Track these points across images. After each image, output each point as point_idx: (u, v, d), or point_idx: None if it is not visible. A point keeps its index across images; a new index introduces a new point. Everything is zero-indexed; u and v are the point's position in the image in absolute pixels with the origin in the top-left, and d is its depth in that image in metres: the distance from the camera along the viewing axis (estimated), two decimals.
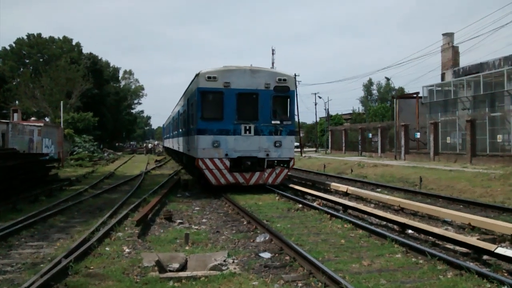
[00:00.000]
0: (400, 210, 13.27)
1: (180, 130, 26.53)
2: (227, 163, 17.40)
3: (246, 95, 17.69)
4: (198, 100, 17.63)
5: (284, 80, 18.16)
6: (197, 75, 17.98)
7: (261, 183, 17.90)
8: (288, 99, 18.48)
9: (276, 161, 18.02)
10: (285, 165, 18.24)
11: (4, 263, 7.91)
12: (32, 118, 46.98)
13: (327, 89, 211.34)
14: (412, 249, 8.24)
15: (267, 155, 17.79)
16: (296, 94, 37.14)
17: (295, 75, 50.06)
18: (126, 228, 10.74)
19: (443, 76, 41.89)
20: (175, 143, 31.92)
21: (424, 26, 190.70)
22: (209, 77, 17.45)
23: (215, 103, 17.66)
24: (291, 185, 18.65)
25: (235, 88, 17.58)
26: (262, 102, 17.80)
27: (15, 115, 37.26)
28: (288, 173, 19.29)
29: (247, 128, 17.64)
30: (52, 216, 12.30)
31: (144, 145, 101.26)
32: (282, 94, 18.21)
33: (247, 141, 17.61)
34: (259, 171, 17.78)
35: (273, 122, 17.95)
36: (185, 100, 22.91)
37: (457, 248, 8.53)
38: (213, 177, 17.35)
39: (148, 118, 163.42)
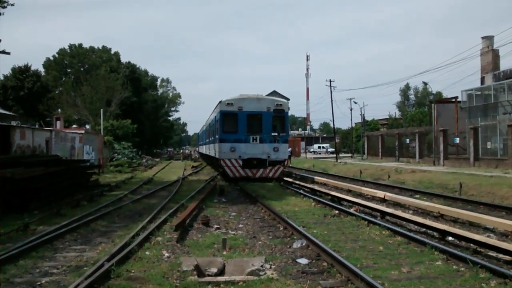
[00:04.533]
0: (440, 217, 13.01)
1: (210, 139, 33.27)
2: (240, 162, 24.04)
3: (253, 115, 24.32)
4: (220, 119, 24.65)
5: (280, 105, 24.97)
6: (220, 102, 25.07)
7: (264, 176, 24.19)
8: (284, 118, 25.15)
9: (275, 161, 24.35)
10: (282, 164, 24.89)
11: (51, 265, 8.22)
12: (74, 126, 48.31)
13: (362, 94, 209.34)
14: (453, 257, 8.09)
15: (268, 157, 24.26)
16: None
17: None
18: (165, 233, 10.94)
19: (482, 80, 40.77)
20: (207, 149, 38.30)
21: (462, 30, 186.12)
22: (227, 103, 24.49)
23: (232, 121, 24.31)
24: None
25: (246, 110, 24.25)
26: (265, 120, 24.39)
27: (58, 122, 38.25)
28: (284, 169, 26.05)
29: (254, 138, 24.18)
30: (94, 220, 12.65)
31: (181, 151, 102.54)
32: (279, 114, 24.79)
33: (254, 147, 24.16)
34: (262, 168, 24.29)
35: (272, 134, 24.41)
36: (213, 117, 29.83)
37: (500, 256, 8.32)
38: (230, 171, 24.13)
39: (185, 124, 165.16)
